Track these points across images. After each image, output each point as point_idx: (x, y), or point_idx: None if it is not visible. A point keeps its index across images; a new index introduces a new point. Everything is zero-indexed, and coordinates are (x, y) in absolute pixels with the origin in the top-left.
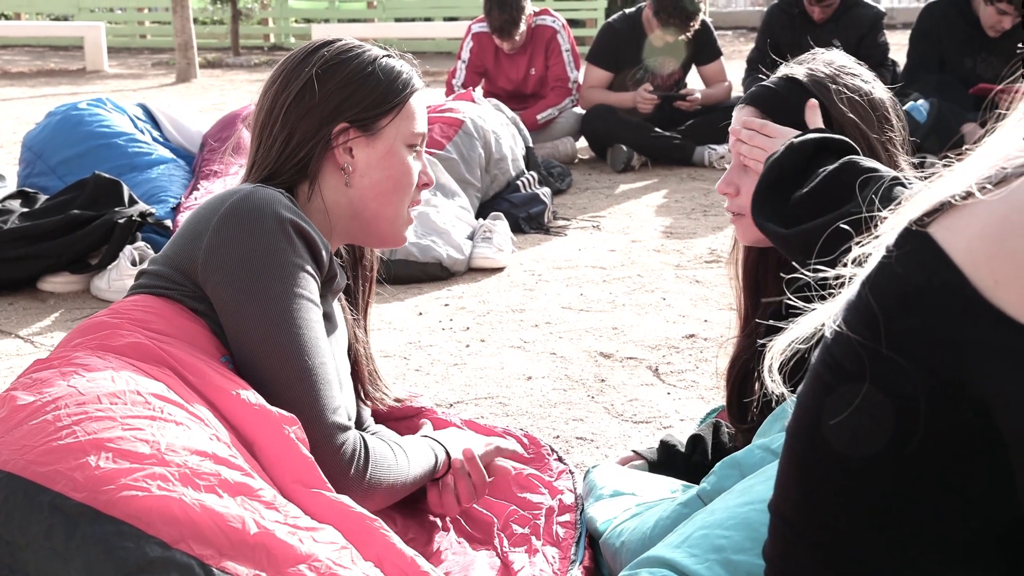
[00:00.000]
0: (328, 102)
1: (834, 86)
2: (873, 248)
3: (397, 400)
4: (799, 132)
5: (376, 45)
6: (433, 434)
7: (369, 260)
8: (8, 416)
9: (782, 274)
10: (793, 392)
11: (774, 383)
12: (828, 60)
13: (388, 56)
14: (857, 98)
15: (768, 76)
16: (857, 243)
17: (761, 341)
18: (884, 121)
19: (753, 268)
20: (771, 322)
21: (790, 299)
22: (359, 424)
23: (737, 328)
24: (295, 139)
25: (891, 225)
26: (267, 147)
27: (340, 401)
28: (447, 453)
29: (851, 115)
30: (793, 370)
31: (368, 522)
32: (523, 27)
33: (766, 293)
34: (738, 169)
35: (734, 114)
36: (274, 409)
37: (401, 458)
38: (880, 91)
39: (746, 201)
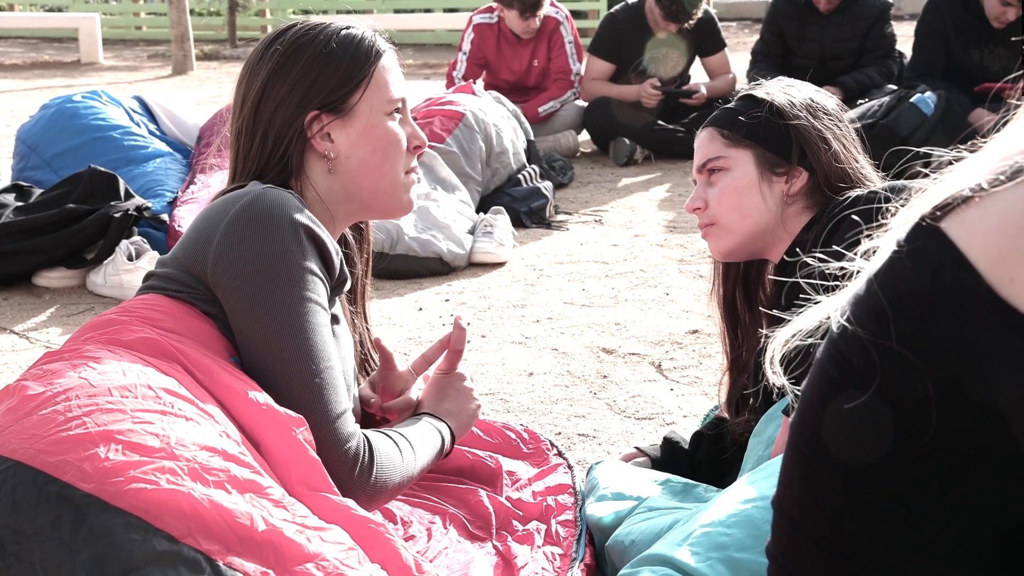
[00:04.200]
0: (294, 93)
1: (786, 96)
2: (882, 243)
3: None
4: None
5: (339, 16)
6: (431, 411)
7: (364, 246)
8: (18, 406)
9: (761, 309)
10: (796, 385)
11: (775, 375)
12: (786, 82)
13: (347, 28)
14: (809, 102)
15: (772, 69)
16: (867, 236)
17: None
18: (837, 119)
19: (731, 305)
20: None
21: (767, 332)
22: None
23: (726, 363)
24: (271, 137)
25: (902, 219)
26: (246, 148)
27: (347, 405)
28: (451, 432)
29: (803, 114)
30: (795, 363)
31: (372, 525)
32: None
33: (744, 328)
34: (704, 186)
35: (696, 136)
36: (282, 410)
37: (407, 453)
38: (828, 100)
39: (716, 210)
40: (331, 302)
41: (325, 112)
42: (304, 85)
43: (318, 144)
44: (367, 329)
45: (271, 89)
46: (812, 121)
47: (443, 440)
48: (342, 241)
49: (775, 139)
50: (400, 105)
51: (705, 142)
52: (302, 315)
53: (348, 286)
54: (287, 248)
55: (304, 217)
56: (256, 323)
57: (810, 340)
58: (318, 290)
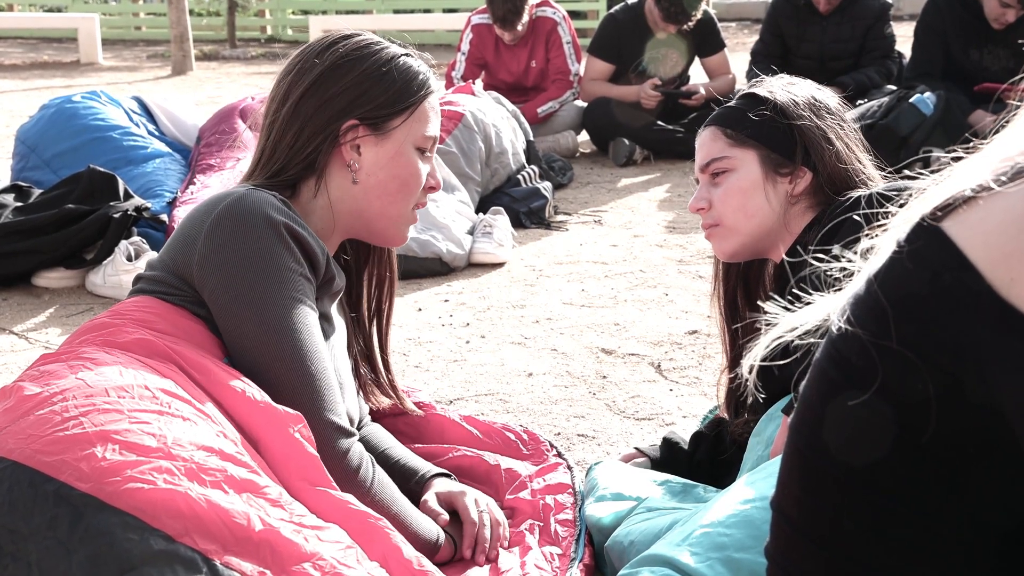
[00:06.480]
0: (340, 98)
1: (789, 95)
2: (882, 242)
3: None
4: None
5: (396, 43)
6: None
7: (387, 259)
8: (15, 406)
9: (759, 303)
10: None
11: (751, 375)
12: (788, 81)
13: (406, 55)
14: (812, 101)
15: (772, 69)
16: (867, 235)
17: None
18: (840, 118)
19: (732, 304)
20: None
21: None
22: (358, 422)
23: (726, 363)
24: (305, 133)
25: (902, 219)
26: (276, 139)
27: (340, 404)
28: (453, 541)
29: (807, 113)
30: (793, 364)
31: (372, 520)
32: (525, 17)
33: (743, 326)
34: (707, 186)
35: (698, 135)
36: (279, 407)
37: (404, 503)
38: (831, 99)
39: (720, 211)
40: (320, 301)
41: (364, 125)
42: (354, 92)
43: (346, 152)
44: (385, 357)
45: (320, 87)
46: (816, 120)
47: (437, 537)
48: (343, 251)
49: (779, 139)
50: (430, 144)
51: (708, 141)
52: (289, 315)
53: (341, 286)
54: (270, 248)
55: (283, 216)
56: (244, 326)
57: (808, 340)
58: (304, 289)
